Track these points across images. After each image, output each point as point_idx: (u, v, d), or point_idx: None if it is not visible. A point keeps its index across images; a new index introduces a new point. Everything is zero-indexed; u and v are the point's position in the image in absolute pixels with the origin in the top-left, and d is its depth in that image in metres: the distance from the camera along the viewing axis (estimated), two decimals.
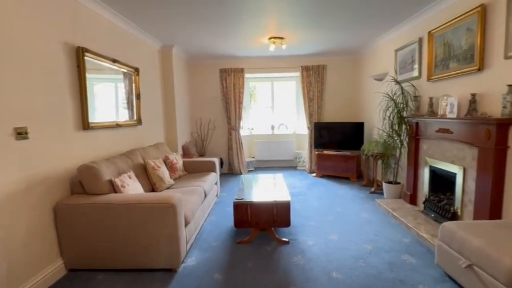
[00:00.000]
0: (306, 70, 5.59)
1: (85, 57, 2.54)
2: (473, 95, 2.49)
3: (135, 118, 3.58)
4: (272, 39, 4.24)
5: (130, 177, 2.63)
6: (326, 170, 5.26)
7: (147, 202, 2.14)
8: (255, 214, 2.61)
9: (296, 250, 2.55)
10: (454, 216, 2.74)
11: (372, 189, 4.27)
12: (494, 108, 2.32)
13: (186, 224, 2.40)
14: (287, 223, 2.63)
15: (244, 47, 4.81)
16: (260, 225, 2.65)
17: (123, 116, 3.35)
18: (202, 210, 3.06)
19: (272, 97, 6.35)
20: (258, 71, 5.78)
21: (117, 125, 3.11)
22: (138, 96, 3.61)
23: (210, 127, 5.86)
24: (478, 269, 1.75)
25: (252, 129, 6.36)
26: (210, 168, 3.95)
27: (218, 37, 4.14)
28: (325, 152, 5.30)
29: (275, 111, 6.40)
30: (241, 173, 5.75)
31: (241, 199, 2.67)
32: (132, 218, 2.14)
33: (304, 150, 6.04)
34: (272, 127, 6.31)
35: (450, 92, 2.86)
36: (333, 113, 5.77)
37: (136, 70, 3.56)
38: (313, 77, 5.60)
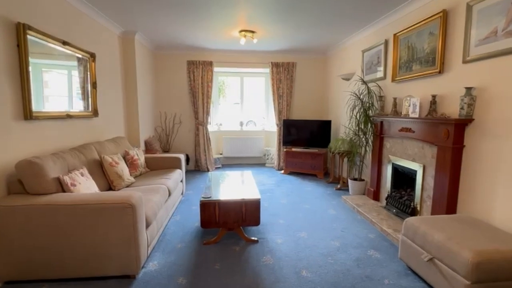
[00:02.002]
0: (276, 67, 5.56)
1: (28, 36, 2.20)
2: (434, 96, 2.62)
3: (90, 109, 3.23)
4: (243, 32, 4.11)
5: (82, 174, 2.34)
6: (294, 167, 5.29)
7: (102, 202, 1.91)
8: (223, 213, 2.49)
9: (266, 249, 2.48)
10: (414, 211, 2.88)
11: (338, 186, 4.38)
12: (452, 109, 2.46)
13: (147, 225, 2.20)
14: (256, 222, 2.55)
15: (214, 39, 4.61)
16: (228, 225, 2.53)
17: (76, 106, 2.99)
18: (166, 209, 2.85)
19: (241, 92, 6.23)
20: (227, 65, 5.61)
21: (68, 116, 2.76)
22: (94, 85, 3.26)
23: (176, 122, 5.57)
24: (439, 262, 1.82)
25: (221, 125, 6.19)
26: (175, 164, 3.72)
27: (186, 26, 3.90)
28: (293, 149, 5.33)
29: (244, 107, 6.29)
30: (208, 170, 5.56)
31: (208, 197, 2.52)
32: (84, 221, 1.89)
33: (272, 147, 6.03)
34: (241, 124, 6.19)
35: (412, 93, 2.99)
36: (302, 111, 5.83)
37: (92, 55, 3.20)
38: (283, 74, 5.59)
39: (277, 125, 5.69)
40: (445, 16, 2.53)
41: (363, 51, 4.05)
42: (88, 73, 3.18)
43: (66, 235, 1.90)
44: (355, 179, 4.02)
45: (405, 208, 2.98)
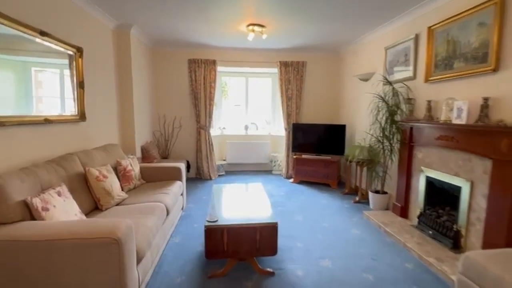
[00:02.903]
0: (284, 66, 5.12)
1: None
2: (486, 99, 2.17)
3: (76, 112, 2.79)
4: (251, 26, 3.67)
5: (60, 194, 1.89)
6: (305, 176, 4.84)
7: (78, 237, 1.45)
8: (233, 241, 2.04)
9: (285, 285, 2.02)
10: (457, 236, 2.43)
11: (357, 199, 3.92)
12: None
13: (139, 260, 1.75)
14: (273, 251, 2.09)
15: (218, 35, 4.18)
16: (239, 255, 2.08)
17: (56, 109, 2.55)
18: (163, 232, 2.40)
19: (246, 94, 5.78)
20: (232, 65, 5.17)
21: (47, 121, 2.31)
22: (81, 84, 2.81)
23: (176, 126, 5.12)
24: None
25: (224, 128, 5.74)
26: (174, 175, 3.27)
27: (187, 20, 3.47)
28: (304, 156, 4.87)
29: (249, 110, 5.84)
30: (210, 178, 5.10)
31: (214, 221, 2.07)
32: (53, 262, 1.44)
33: (280, 153, 5.58)
34: (246, 127, 5.75)
35: (454, 95, 2.54)
36: (312, 114, 5.38)
37: (79, 50, 2.76)
38: (292, 74, 5.15)
39: (286, 129, 5.25)
40: (502, 2, 2.09)
41: (386, 48, 3.61)
42: (74, 71, 2.75)
43: (29, 280, 1.44)
44: (377, 192, 3.57)
45: (445, 231, 2.53)
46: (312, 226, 3.07)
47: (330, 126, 4.77)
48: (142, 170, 3.20)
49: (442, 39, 2.69)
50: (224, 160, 5.64)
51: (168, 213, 2.54)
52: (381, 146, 3.42)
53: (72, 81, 2.73)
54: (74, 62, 2.73)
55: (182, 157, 5.13)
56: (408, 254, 2.48)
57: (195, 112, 5.06)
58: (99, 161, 2.63)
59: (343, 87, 5.09)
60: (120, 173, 2.82)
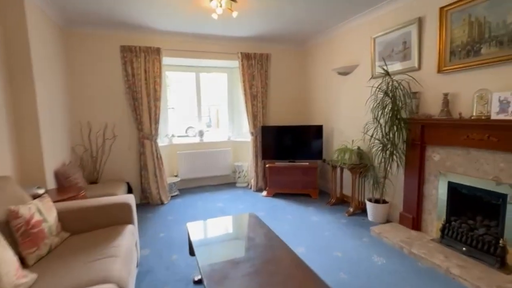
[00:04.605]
0: (247, 59, 4.30)
1: None
2: None
3: None
4: (218, 0, 2.74)
5: None
6: (281, 187, 4.12)
7: None
8: None
9: None
10: (503, 252, 2.04)
11: (351, 210, 3.37)
12: None
13: None
14: None
15: (166, 12, 3.08)
16: None
17: None
18: None
19: (197, 92, 4.74)
20: (180, 55, 4.07)
21: None
22: None
23: (108, 136, 3.75)
24: None
25: (172, 136, 4.59)
26: (121, 216, 2.09)
27: None
28: (278, 163, 4.15)
29: (203, 112, 4.83)
30: (162, 203, 3.90)
31: None
32: None
33: (245, 162, 4.74)
34: (201, 133, 4.72)
35: (483, 85, 2.16)
36: (280, 114, 4.71)
37: None
38: (256, 68, 4.37)
39: (252, 133, 4.43)
40: None
41: (374, 37, 3.16)
42: None
43: None
44: (376, 201, 3.10)
45: (485, 247, 2.12)
46: (325, 261, 2.35)
47: (305, 128, 4.17)
48: (61, 215, 1.93)
49: (460, 21, 2.30)
50: (176, 175, 4.49)
51: None
52: (381, 148, 2.94)
53: None
54: None
55: (120, 179, 3.79)
56: (459, 285, 1.98)
57: (134, 117, 3.79)
58: None
59: (314, 82, 4.55)
60: (18, 232, 1.55)
